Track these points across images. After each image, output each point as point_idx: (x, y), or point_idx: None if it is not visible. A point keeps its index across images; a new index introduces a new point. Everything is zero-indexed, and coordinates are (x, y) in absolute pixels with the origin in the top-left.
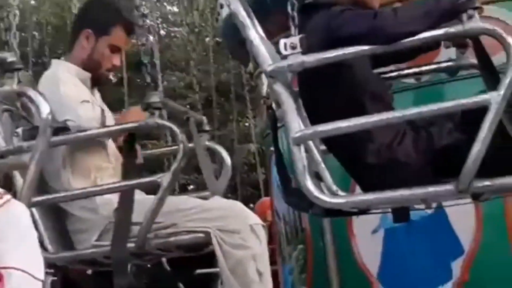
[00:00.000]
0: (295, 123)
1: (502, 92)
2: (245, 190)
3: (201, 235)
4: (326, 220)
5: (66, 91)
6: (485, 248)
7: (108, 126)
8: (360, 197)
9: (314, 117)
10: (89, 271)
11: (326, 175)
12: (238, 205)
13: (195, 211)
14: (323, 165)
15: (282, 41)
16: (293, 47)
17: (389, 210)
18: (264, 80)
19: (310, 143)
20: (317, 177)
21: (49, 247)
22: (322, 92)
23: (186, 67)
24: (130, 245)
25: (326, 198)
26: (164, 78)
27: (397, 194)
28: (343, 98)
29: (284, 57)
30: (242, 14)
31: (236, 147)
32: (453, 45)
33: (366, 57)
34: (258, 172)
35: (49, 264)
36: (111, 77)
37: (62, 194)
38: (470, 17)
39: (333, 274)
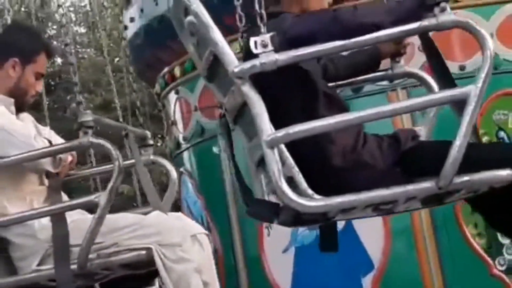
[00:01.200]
0: (267, 125)
1: (479, 84)
2: None
3: (142, 252)
4: (237, 239)
5: (10, 124)
6: (394, 262)
7: (40, 148)
8: (339, 199)
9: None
10: None
11: (300, 179)
12: (180, 217)
13: (135, 227)
14: (296, 168)
15: (252, 39)
16: (264, 45)
17: (356, 216)
18: (172, 100)
19: (282, 146)
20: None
21: None
22: (279, 96)
23: (95, 88)
24: (73, 266)
25: (304, 201)
26: (72, 100)
27: (377, 194)
28: (302, 102)
29: (255, 56)
30: (205, 15)
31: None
32: (389, 56)
33: (319, 67)
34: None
35: None
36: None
37: None
38: (443, 10)
39: None
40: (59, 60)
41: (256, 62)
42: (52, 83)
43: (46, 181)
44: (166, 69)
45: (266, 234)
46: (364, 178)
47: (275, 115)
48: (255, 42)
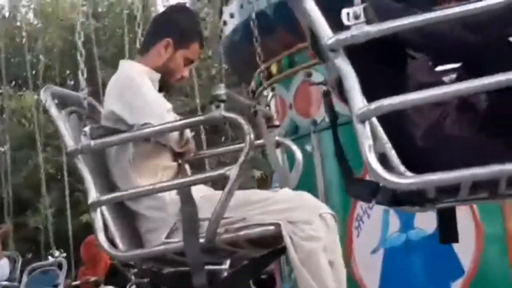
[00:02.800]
0: (359, 99)
1: None
2: None
3: (271, 227)
4: None
5: (150, 94)
6: (485, 268)
7: (172, 121)
8: (431, 176)
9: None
10: None
11: (393, 155)
12: (307, 195)
13: (265, 203)
14: (389, 144)
15: (344, 11)
16: (356, 17)
17: (461, 198)
18: (268, 95)
19: (374, 120)
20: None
21: (120, 245)
22: (372, 70)
23: (191, 91)
24: (200, 240)
25: (394, 178)
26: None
27: (472, 172)
28: (394, 76)
29: (347, 28)
30: None
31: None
32: None
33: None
34: None
35: (123, 264)
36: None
37: (127, 192)
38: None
39: None
40: None
41: (347, 34)
42: None
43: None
44: (262, 66)
45: (355, 234)
46: (458, 153)
47: (367, 90)
48: (347, 14)
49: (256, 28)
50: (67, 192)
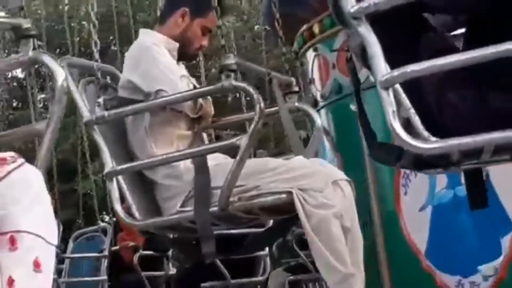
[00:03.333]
0: (382, 66)
1: None
2: None
3: (283, 195)
4: (374, 196)
5: (165, 62)
6: None
7: (183, 92)
8: (455, 141)
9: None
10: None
11: (417, 121)
12: (322, 162)
13: (277, 171)
14: (413, 110)
15: None
16: None
17: (485, 161)
18: (310, 58)
19: (398, 87)
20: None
21: (137, 214)
22: (395, 37)
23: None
24: (214, 208)
25: (418, 143)
26: (212, 65)
27: (495, 136)
28: (416, 43)
29: None
30: None
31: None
32: None
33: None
34: None
35: (142, 232)
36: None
37: (142, 161)
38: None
39: (381, 251)
40: None
41: (370, 1)
42: None
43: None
44: (304, 27)
45: (402, 192)
46: (482, 121)
47: (389, 57)
48: None
49: None
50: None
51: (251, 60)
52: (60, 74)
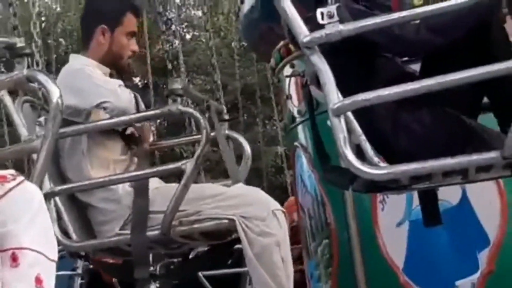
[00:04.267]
0: (334, 94)
1: None
2: (272, 193)
3: (225, 221)
4: (351, 213)
5: (99, 76)
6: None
7: (130, 115)
8: (403, 167)
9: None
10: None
11: (367, 147)
12: (260, 192)
13: (220, 198)
14: (363, 137)
15: (319, 11)
16: (330, 16)
17: (434, 184)
18: (287, 73)
19: (349, 114)
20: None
21: (74, 235)
22: (347, 67)
23: (212, 70)
24: (154, 232)
25: (368, 169)
26: (190, 81)
27: (442, 163)
28: (367, 73)
29: (321, 27)
30: None
31: (262, 149)
32: None
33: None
34: (286, 174)
35: (72, 253)
36: (137, 82)
37: (84, 182)
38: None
39: (358, 268)
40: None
41: (321, 33)
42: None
43: (129, 152)
44: (282, 43)
45: (380, 208)
46: (427, 148)
47: (343, 85)
48: (322, 13)
49: (273, 6)
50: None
51: (228, 76)
52: (55, 92)
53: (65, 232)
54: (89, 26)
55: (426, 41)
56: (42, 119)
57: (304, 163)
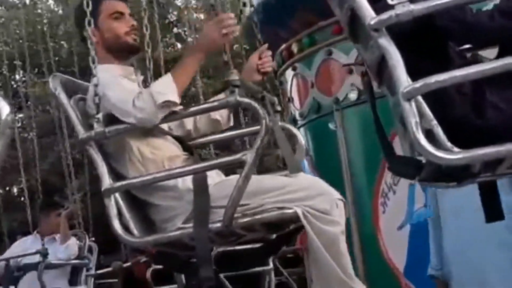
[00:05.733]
0: (404, 77)
1: None
2: None
3: (289, 211)
4: (353, 215)
5: (114, 96)
6: None
7: (189, 107)
8: (480, 151)
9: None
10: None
11: (439, 132)
12: (321, 182)
13: (283, 191)
14: (435, 121)
15: None
16: None
17: (501, 173)
18: (289, 77)
19: (419, 98)
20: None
21: (135, 231)
22: (416, 49)
23: (215, 73)
24: (216, 225)
25: (443, 154)
26: (191, 84)
27: None
28: (438, 54)
29: (391, 7)
30: None
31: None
32: None
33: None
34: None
35: (134, 249)
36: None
37: (142, 178)
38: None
39: (360, 271)
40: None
41: (391, 13)
42: None
43: (181, 148)
44: (283, 46)
45: (381, 211)
46: (504, 126)
47: (412, 68)
48: None
49: (275, 9)
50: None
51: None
52: (4, 108)
53: (126, 228)
54: (82, 38)
55: (502, 27)
56: (100, 115)
57: (306, 166)
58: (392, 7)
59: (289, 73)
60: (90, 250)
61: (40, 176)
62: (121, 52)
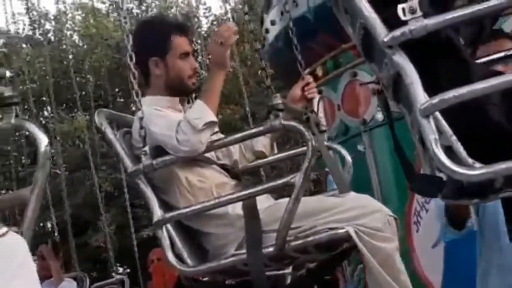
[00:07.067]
0: (421, 93)
1: None
2: None
3: (341, 231)
4: None
5: (159, 131)
6: None
7: (233, 135)
8: (503, 165)
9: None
10: None
11: (459, 148)
12: (372, 200)
13: (335, 211)
14: (455, 137)
15: (400, 7)
16: (413, 11)
17: None
18: (315, 100)
19: (438, 114)
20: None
21: (188, 261)
22: (432, 64)
23: (240, 99)
24: (269, 249)
25: (464, 170)
26: (219, 111)
27: None
28: (453, 69)
29: (404, 23)
30: None
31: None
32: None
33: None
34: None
35: (188, 278)
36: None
37: (192, 208)
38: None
39: None
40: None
41: (405, 29)
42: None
43: (228, 175)
44: (308, 70)
45: (414, 230)
46: None
47: (428, 84)
48: (403, 9)
49: (297, 33)
50: (129, 209)
51: (257, 104)
52: (43, 140)
53: (179, 258)
54: (142, 63)
55: None
56: (147, 148)
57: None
58: (405, 22)
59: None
60: (122, 283)
61: (72, 211)
62: (179, 91)
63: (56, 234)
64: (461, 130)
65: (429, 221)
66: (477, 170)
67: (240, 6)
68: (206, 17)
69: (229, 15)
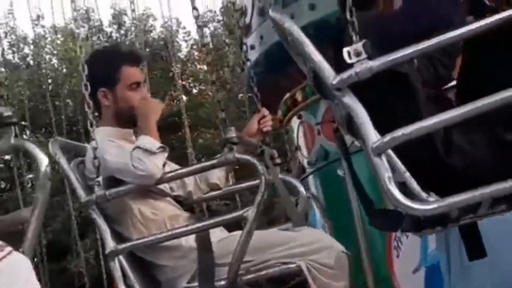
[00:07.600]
0: (372, 133)
1: None
2: None
3: (292, 265)
4: (367, 261)
5: (113, 159)
6: None
7: (187, 167)
8: (454, 199)
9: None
10: None
11: (413, 183)
12: (326, 236)
13: (287, 246)
14: (408, 173)
15: (345, 50)
16: (358, 54)
17: (482, 214)
18: (294, 125)
19: (390, 152)
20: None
21: None
22: (381, 103)
23: (220, 124)
24: (221, 283)
25: (418, 206)
26: (199, 136)
27: (494, 189)
28: (403, 106)
29: (349, 66)
30: (298, 33)
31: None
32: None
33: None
34: None
35: None
36: None
37: (145, 239)
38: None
39: None
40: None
41: (351, 71)
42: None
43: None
44: (287, 95)
45: (395, 255)
46: (477, 175)
47: (379, 122)
48: (348, 52)
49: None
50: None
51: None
52: (43, 160)
53: None
54: (92, 94)
55: None
56: (100, 178)
57: (317, 214)
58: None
59: (295, 121)
60: None
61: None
62: (129, 122)
63: (35, 260)
64: (413, 164)
65: (409, 246)
66: (431, 205)
67: (220, 31)
68: (186, 41)
69: (209, 39)
